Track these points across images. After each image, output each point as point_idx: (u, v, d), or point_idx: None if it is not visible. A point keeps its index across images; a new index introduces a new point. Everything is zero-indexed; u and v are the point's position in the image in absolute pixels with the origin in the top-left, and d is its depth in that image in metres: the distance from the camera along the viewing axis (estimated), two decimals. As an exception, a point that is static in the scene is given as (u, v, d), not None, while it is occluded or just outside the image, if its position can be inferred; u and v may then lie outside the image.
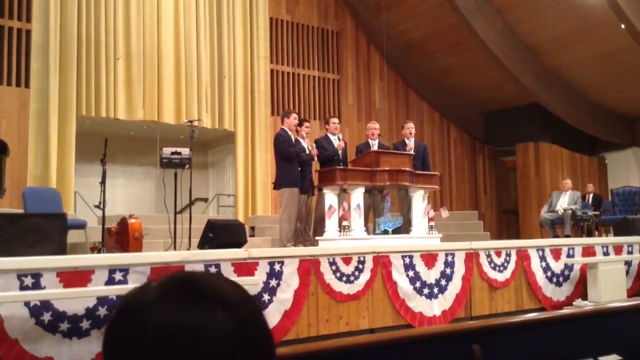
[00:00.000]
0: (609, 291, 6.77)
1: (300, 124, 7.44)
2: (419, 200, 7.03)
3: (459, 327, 2.47)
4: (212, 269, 4.62)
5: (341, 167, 6.79)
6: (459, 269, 6.17)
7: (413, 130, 7.94)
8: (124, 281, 4.18)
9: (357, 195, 6.58)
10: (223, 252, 4.94)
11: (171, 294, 0.72)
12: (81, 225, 6.71)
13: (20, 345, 3.73)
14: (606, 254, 7.36)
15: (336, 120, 7.69)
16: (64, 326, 3.88)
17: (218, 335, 0.69)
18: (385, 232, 6.91)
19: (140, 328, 0.70)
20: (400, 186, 6.93)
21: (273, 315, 4.89)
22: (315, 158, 7.23)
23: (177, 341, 0.68)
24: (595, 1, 9.75)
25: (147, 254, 5.22)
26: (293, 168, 6.96)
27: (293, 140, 7.17)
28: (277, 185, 7.09)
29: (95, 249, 6.03)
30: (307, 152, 7.15)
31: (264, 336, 0.75)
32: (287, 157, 6.96)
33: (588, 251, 7.21)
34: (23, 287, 3.82)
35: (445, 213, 7.40)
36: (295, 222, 6.96)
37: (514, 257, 6.61)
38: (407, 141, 7.81)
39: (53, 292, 3.90)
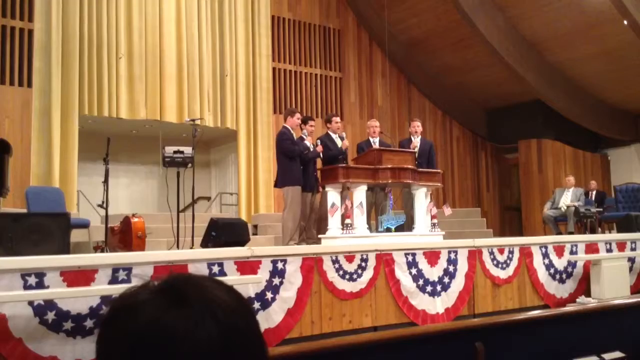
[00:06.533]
0: (612, 288, 6.76)
1: (304, 122, 7.43)
2: (422, 198, 7.03)
3: (462, 325, 2.47)
4: (215, 268, 4.63)
5: (344, 165, 6.79)
6: (462, 266, 6.17)
7: (419, 129, 7.90)
8: (127, 280, 4.19)
9: (360, 193, 6.58)
10: (226, 250, 4.94)
11: (163, 296, 0.73)
12: (84, 225, 6.72)
13: (24, 344, 3.74)
14: (609, 250, 7.36)
15: (338, 119, 7.69)
16: (68, 325, 3.89)
17: (203, 341, 0.69)
18: (388, 229, 6.91)
19: (128, 327, 0.71)
20: (402, 184, 6.93)
21: (276, 314, 4.90)
22: (321, 155, 7.22)
23: (160, 343, 0.69)
24: (597, -3, 9.73)
25: (150, 252, 5.24)
26: (295, 166, 6.96)
27: (295, 138, 7.18)
28: (280, 183, 7.08)
29: (98, 248, 6.04)
30: (312, 149, 7.14)
31: (252, 346, 0.74)
32: (290, 155, 6.95)
33: (591, 248, 7.20)
34: (27, 287, 3.83)
35: (447, 210, 7.39)
36: (299, 220, 6.96)
37: (516, 254, 6.60)
38: (412, 138, 7.80)
39: (57, 291, 3.91)
